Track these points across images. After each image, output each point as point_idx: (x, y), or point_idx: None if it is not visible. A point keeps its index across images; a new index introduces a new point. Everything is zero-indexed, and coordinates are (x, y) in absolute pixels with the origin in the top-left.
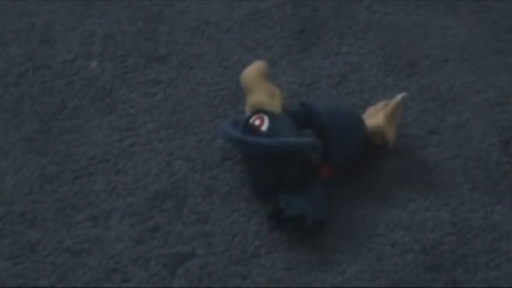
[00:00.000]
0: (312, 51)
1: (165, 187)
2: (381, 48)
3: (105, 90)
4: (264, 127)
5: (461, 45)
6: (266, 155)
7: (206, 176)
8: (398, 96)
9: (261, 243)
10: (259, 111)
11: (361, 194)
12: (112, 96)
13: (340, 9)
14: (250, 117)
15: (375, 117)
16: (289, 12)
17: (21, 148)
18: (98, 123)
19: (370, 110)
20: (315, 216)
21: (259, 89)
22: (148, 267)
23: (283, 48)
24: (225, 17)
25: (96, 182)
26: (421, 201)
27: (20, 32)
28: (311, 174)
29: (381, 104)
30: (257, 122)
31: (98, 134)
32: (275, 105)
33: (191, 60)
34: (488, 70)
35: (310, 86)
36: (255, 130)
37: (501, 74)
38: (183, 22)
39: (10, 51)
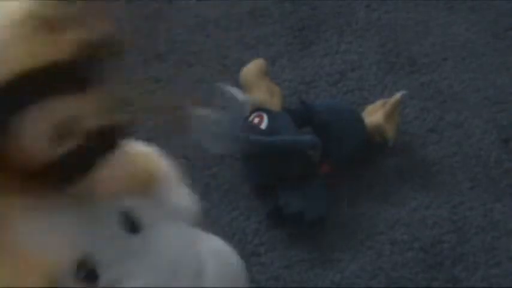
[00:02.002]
0: (312, 49)
1: None
2: (380, 47)
3: None
4: (264, 125)
5: (460, 43)
6: (266, 153)
7: (205, 173)
8: (398, 95)
9: (261, 241)
10: (258, 109)
11: (361, 192)
12: None
13: (340, 7)
14: (249, 115)
15: (374, 115)
16: (288, 10)
17: None
18: None
19: (370, 108)
20: (315, 213)
21: (259, 87)
22: None
23: (282, 47)
24: (224, 15)
25: None
26: (420, 199)
27: None
28: (310, 172)
29: (380, 102)
30: (256, 120)
31: None
32: (274, 103)
33: (190, 58)
34: (488, 68)
35: (310, 84)
36: (254, 128)
37: (501, 72)
38: (182, 20)
39: None
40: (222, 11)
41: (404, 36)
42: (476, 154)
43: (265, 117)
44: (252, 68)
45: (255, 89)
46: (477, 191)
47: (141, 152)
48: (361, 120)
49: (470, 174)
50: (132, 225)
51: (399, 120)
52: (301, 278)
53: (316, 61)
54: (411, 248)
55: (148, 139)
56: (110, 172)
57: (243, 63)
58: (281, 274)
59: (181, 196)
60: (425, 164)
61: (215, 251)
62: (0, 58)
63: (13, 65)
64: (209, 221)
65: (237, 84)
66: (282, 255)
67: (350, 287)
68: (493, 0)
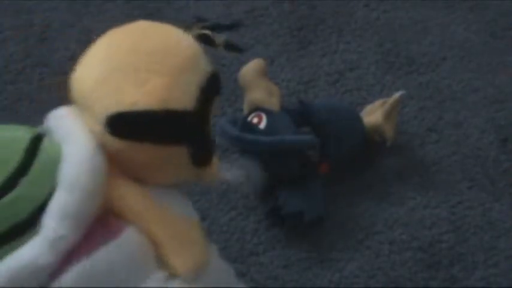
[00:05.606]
0: (310, 49)
1: None
2: (379, 46)
3: None
4: (262, 125)
5: (459, 42)
6: (264, 153)
7: None
8: (397, 94)
9: (259, 241)
10: (257, 109)
11: (360, 191)
12: None
13: (338, 6)
14: (248, 115)
15: (373, 115)
16: (287, 9)
17: None
18: None
19: (368, 108)
20: (313, 213)
21: (258, 87)
22: None
23: (281, 46)
24: (223, 15)
25: None
26: (419, 198)
27: (18, 29)
28: (309, 172)
29: (379, 102)
30: (255, 120)
31: None
32: (273, 103)
33: None
34: (487, 68)
35: (308, 84)
36: (253, 128)
37: (499, 72)
38: (181, 19)
39: (8, 49)
40: (221, 10)
41: (403, 35)
42: (475, 154)
43: (264, 117)
44: (250, 68)
45: (254, 88)
46: (476, 191)
47: None
48: (359, 120)
49: (469, 173)
50: None
51: (398, 120)
52: (299, 277)
53: (314, 61)
54: (410, 248)
55: None
56: None
57: (242, 63)
58: (280, 274)
59: None
60: (424, 163)
61: None
62: None
63: None
64: (208, 221)
65: (236, 83)
66: (281, 255)
67: (349, 287)
68: (491, 0)
